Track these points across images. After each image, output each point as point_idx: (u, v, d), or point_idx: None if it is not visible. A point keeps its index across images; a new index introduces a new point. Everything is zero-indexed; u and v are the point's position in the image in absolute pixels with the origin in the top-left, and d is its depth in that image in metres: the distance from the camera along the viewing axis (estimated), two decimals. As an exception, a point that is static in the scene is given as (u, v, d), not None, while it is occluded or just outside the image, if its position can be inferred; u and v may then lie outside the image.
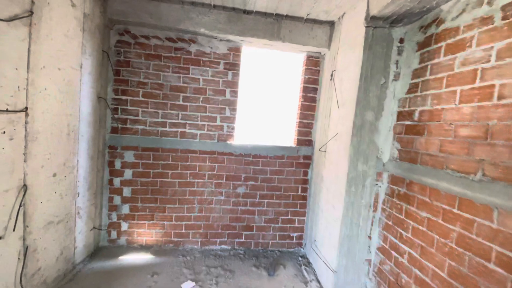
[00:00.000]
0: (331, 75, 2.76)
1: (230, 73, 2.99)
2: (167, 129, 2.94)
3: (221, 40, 2.92)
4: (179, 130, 2.96)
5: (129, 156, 2.90)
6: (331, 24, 2.87)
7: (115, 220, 2.94)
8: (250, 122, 3.33)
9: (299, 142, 3.19)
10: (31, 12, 1.69)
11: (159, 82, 2.88)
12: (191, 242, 3.09)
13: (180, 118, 2.94)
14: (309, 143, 3.20)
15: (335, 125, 2.62)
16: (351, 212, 2.27)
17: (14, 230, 1.71)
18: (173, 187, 2.99)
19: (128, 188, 2.93)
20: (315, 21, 2.85)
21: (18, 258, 1.77)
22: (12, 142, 1.67)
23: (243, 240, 3.17)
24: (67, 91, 2.16)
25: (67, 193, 2.29)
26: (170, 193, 2.99)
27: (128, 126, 2.88)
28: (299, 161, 3.20)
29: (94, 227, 2.76)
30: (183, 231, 3.06)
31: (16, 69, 1.64)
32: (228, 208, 3.11)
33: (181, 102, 2.93)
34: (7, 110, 1.61)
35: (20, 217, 1.77)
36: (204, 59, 2.93)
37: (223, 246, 3.14)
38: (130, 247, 2.96)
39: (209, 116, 2.99)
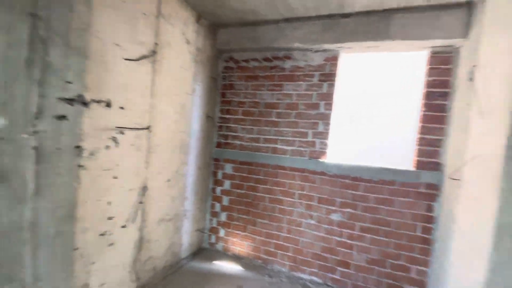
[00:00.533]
0: (470, 74, 1.96)
1: (325, 84, 2.74)
2: (261, 144, 3.01)
3: (316, 51, 2.74)
4: (271, 145, 2.96)
5: (228, 168, 3.17)
6: (469, 4, 2.08)
7: (215, 225, 3.26)
8: (348, 138, 2.88)
9: (421, 165, 2.43)
10: (154, 52, 2.19)
11: (256, 100, 3.02)
12: (279, 263, 2.93)
13: (272, 134, 2.95)
14: (436, 166, 2.38)
15: (476, 143, 1.81)
16: (502, 278, 1.43)
17: (133, 222, 2.18)
18: (263, 202, 2.99)
19: (226, 197, 3.19)
20: (441, 7, 2.17)
21: (135, 245, 2.23)
22: (138, 152, 2.17)
23: (338, 277, 2.69)
24: (181, 112, 2.64)
25: (178, 196, 2.73)
26: (261, 207, 3.01)
27: (229, 141, 3.17)
28: (419, 190, 2.42)
29: (198, 229, 3.16)
30: (272, 249, 2.96)
31: (143, 96, 2.15)
32: (319, 235, 2.76)
33: (273, 118, 2.94)
34: (136, 128, 2.12)
35: (140, 212, 2.24)
36: (298, 73, 2.84)
37: (313, 278, 2.78)
38: (225, 254, 3.16)
39: (301, 131, 2.83)
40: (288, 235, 2.89)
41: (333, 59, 2.71)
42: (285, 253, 2.90)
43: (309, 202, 2.79)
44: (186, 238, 2.96)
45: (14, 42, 1.46)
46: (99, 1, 1.73)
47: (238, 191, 3.12)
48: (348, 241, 2.64)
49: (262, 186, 3.00)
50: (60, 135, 1.62)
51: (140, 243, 2.28)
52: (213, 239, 3.27)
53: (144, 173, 2.26)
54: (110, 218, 1.96)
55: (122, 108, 1.95)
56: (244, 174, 3.08)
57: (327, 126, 2.74)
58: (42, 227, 1.61)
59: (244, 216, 3.09)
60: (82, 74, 1.66)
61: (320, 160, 2.75)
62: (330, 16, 2.51)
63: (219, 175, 3.23)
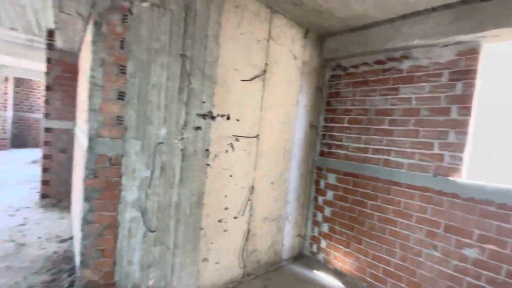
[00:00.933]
0: None
1: (458, 84, 2.22)
2: (369, 155, 2.77)
3: (444, 45, 2.28)
4: (382, 157, 2.66)
5: (331, 178, 3.11)
6: None
7: (316, 234, 3.25)
8: (496, 153, 2.17)
9: None
10: (264, 71, 2.52)
11: (364, 107, 2.83)
12: (388, 292, 2.57)
13: (384, 143, 2.66)
14: None
15: None
16: None
17: (243, 215, 2.56)
18: (371, 219, 2.72)
19: (328, 208, 3.13)
20: None
21: (244, 236, 2.60)
22: (248, 156, 2.55)
23: (473, 332, 2.07)
24: (285, 122, 2.86)
25: (280, 199, 2.96)
26: (367, 225, 2.75)
27: (332, 150, 3.11)
28: None
29: (299, 235, 3.26)
30: (380, 275, 2.63)
31: (253, 110, 2.51)
32: (445, 271, 2.22)
33: (386, 126, 2.65)
34: (247, 136, 2.50)
35: (248, 208, 2.61)
36: (418, 74, 2.45)
37: (435, 323, 2.26)
38: (326, 266, 3.09)
39: (422, 142, 2.40)
40: (401, 263, 2.49)
41: (469, 53, 2.16)
42: (397, 283, 2.51)
43: (432, 229, 2.31)
44: (288, 241, 3.12)
45: (171, 76, 2.11)
46: (224, 38, 2.22)
47: (342, 203, 2.99)
48: (488, 287, 1.99)
49: (371, 202, 2.74)
50: (196, 141, 2.17)
51: (248, 235, 2.63)
52: (314, 248, 3.27)
53: (252, 174, 2.62)
54: (226, 209, 2.40)
55: (238, 120, 2.38)
56: (349, 186, 2.93)
57: (461, 136, 2.20)
58: (182, 207, 2.20)
59: (348, 232, 2.92)
60: (211, 96, 2.18)
61: (451, 178, 2.22)
62: (463, 2, 2.04)
63: (322, 184, 3.21)
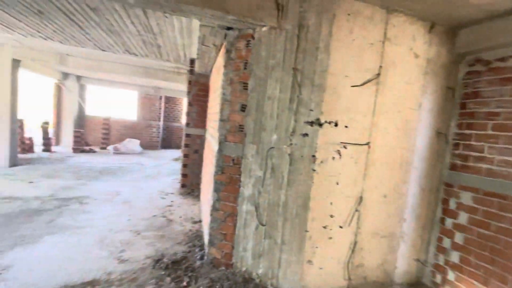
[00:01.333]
0: None
1: None
2: (529, 172, 2.09)
3: None
4: (553, 176, 1.96)
5: (466, 198, 2.53)
6: None
7: (441, 263, 2.71)
8: None
9: None
10: (378, 74, 2.37)
11: (521, 109, 2.17)
12: None
13: (556, 158, 1.95)
14: None
15: None
16: None
17: (349, 225, 2.47)
18: (531, 258, 2.04)
19: (460, 234, 2.55)
20: None
21: (349, 247, 2.51)
22: (356, 165, 2.46)
23: None
24: (403, 128, 2.57)
25: (394, 214, 2.66)
26: (524, 264, 2.08)
27: (469, 163, 2.53)
28: None
29: (418, 260, 2.81)
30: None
31: (364, 116, 2.41)
32: None
33: (561, 135, 1.94)
34: (356, 144, 2.43)
35: (355, 219, 2.50)
36: None
37: None
38: (455, 304, 2.52)
39: None
40: None
41: None
42: None
43: None
44: (402, 263, 2.75)
45: (283, 88, 2.34)
46: (334, 47, 2.27)
47: (481, 230, 2.38)
48: None
49: (529, 233, 2.06)
50: (303, 147, 2.31)
51: (354, 247, 2.52)
52: (438, 279, 2.73)
53: (360, 184, 2.50)
54: (331, 216, 2.41)
55: (346, 127, 2.35)
56: (492, 210, 2.30)
57: None
58: (289, 208, 2.37)
59: (488, 266, 2.28)
60: (320, 103, 2.27)
61: None
62: None
63: (452, 204, 2.66)
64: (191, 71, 5.21)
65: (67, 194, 4.59)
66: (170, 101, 12.13)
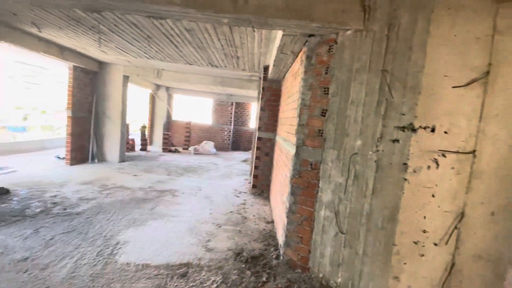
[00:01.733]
0: None
1: None
2: None
3: None
4: None
5: None
6: None
7: None
8: None
9: None
10: (487, 73, 2.03)
11: None
12: None
13: None
14: None
15: None
16: None
17: (446, 244, 2.18)
18: None
19: None
20: None
21: (445, 269, 2.20)
22: (457, 176, 2.15)
23: None
24: (523, 135, 2.12)
25: (504, 236, 2.21)
26: None
27: None
28: None
29: (543, 298, 2.25)
30: None
31: (469, 120, 2.09)
32: None
33: None
34: (457, 152, 2.13)
35: (453, 237, 2.19)
36: None
37: None
38: None
39: None
40: None
41: None
42: None
43: None
44: (518, 299, 2.26)
45: (370, 91, 2.24)
46: (431, 44, 2.06)
47: None
48: None
49: None
50: (392, 154, 2.17)
51: (451, 269, 2.21)
52: None
53: (462, 198, 2.17)
54: (424, 231, 2.17)
55: (445, 132, 2.09)
56: None
57: None
58: (373, 218, 2.25)
59: None
60: (413, 107, 2.09)
61: None
62: None
63: None
64: (265, 78, 5.46)
65: (162, 186, 5.42)
66: (239, 107, 12.93)
